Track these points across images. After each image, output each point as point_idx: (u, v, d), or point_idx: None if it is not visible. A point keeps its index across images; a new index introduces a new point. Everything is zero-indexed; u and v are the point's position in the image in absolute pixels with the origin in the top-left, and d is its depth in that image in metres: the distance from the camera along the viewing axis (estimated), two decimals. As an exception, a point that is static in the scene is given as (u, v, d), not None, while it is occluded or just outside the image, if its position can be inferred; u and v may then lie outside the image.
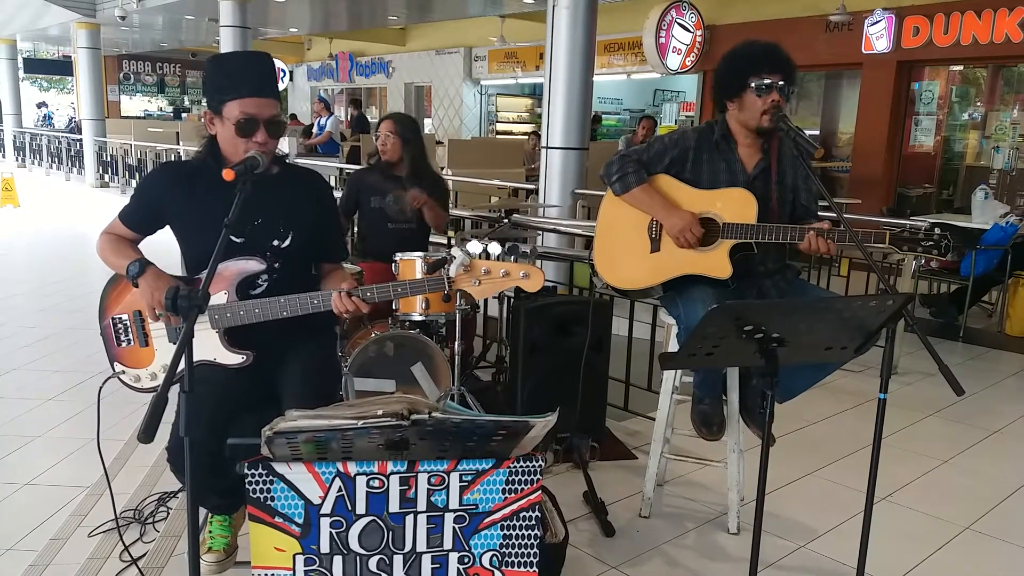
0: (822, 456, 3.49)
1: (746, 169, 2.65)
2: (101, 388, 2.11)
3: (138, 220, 2.27)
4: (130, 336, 2.25)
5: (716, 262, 2.58)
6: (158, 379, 2.22)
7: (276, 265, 2.18)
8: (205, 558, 2.21)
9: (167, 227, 2.28)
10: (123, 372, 2.26)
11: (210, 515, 2.30)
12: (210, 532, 2.29)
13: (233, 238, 2.11)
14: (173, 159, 12.63)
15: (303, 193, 2.28)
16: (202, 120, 2.25)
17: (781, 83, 2.52)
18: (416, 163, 3.85)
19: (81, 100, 15.28)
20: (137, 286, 2.13)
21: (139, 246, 2.30)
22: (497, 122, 16.72)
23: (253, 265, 2.13)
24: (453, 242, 3.90)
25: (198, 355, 2.06)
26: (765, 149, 2.66)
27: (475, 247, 1.94)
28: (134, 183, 13.94)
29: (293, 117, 15.07)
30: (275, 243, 2.19)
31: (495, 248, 1.95)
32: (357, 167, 6.52)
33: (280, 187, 2.23)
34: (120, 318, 2.25)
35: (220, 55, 2.31)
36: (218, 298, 2.11)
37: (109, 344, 2.28)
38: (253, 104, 2.10)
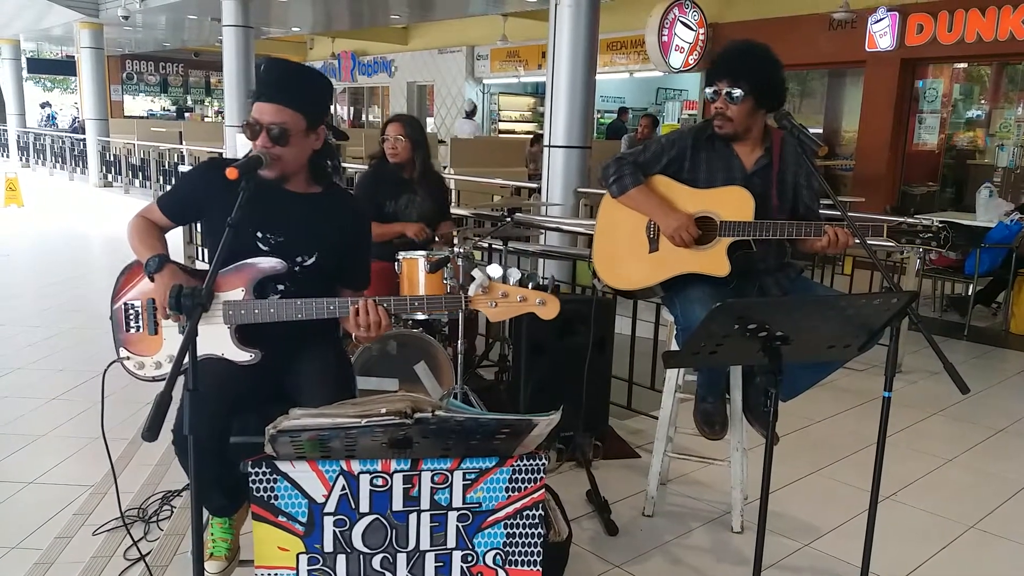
0: (826, 455, 3.49)
1: (744, 166, 2.64)
2: (105, 373, 2.10)
3: (175, 209, 2.31)
4: (140, 324, 2.25)
5: (714, 260, 2.58)
6: (163, 368, 2.22)
7: (294, 279, 2.20)
8: (208, 567, 2.20)
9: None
10: (128, 358, 2.26)
11: (210, 517, 2.30)
12: (211, 536, 2.28)
13: (261, 246, 2.17)
14: (177, 159, 12.67)
15: (339, 219, 2.29)
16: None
17: (726, 90, 2.54)
18: (425, 165, 3.83)
19: (84, 100, 15.31)
20: (153, 280, 2.16)
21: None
22: (499, 121, 16.72)
23: (274, 264, 2.15)
24: (456, 241, 3.89)
25: (206, 348, 2.08)
26: (767, 147, 2.65)
27: (495, 271, 1.96)
28: (137, 183, 13.98)
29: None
30: (299, 259, 2.21)
31: (515, 273, 1.97)
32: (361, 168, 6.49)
33: (318, 207, 2.26)
34: (132, 304, 2.26)
35: (264, 59, 2.37)
36: (234, 294, 2.12)
37: (117, 328, 2.27)
38: (258, 109, 2.13)
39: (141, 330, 2.25)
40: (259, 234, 2.18)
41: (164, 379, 1.67)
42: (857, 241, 2.34)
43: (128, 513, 2.75)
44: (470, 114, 13.78)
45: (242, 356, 2.13)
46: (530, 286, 1.99)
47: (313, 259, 2.22)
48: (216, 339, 2.12)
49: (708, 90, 2.62)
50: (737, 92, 2.53)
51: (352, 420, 1.55)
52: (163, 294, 2.10)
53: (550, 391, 3.34)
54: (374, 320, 2.04)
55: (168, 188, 2.35)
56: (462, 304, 1.99)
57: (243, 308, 2.10)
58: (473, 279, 1.97)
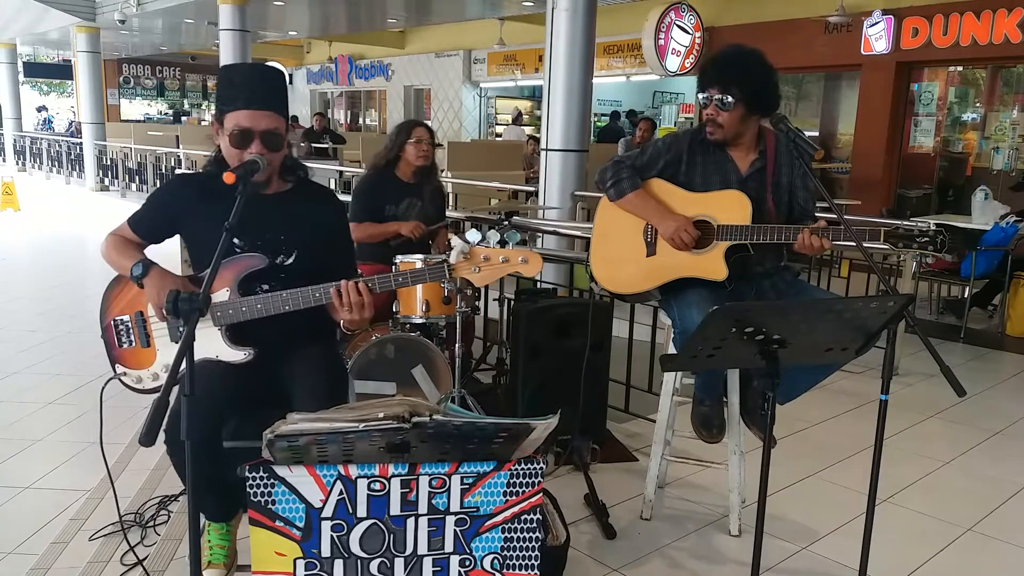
0: (823, 458, 3.49)
1: (739, 170, 2.65)
2: (103, 390, 2.11)
3: (149, 228, 2.28)
4: (131, 337, 2.25)
5: (712, 264, 2.58)
6: (160, 379, 2.22)
7: (278, 279, 2.18)
8: (207, 575, 2.20)
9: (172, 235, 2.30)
10: (124, 374, 2.26)
11: (207, 524, 2.29)
12: (208, 543, 2.27)
13: (238, 251, 2.15)
14: (174, 163, 12.66)
15: (313, 212, 2.27)
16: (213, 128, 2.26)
17: (717, 97, 2.54)
18: (435, 170, 3.96)
19: (81, 104, 15.29)
20: (142, 287, 2.14)
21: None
22: (496, 124, 16.73)
23: (255, 261, 2.14)
24: (453, 243, 3.90)
25: (200, 353, 2.06)
26: (761, 149, 2.66)
27: (474, 235, 1.98)
28: (134, 187, 13.96)
29: (295, 119, 15.10)
30: (279, 260, 2.19)
31: (493, 236, 1.98)
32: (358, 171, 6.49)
33: (290, 205, 2.24)
34: (122, 319, 2.25)
35: (228, 65, 2.32)
36: (220, 295, 2.11)
37: (111, 346, 2.28)
38: (248, 116, 2.10)
39: (134, 344, 2.25)
40: (236, 240, 2.16)
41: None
42: (836, 243, 2.36)
43: (125, 518, 2.74)
44: (517, 120, 14.31)
45: (236, 356, 2.13)
46: (510, 245, 1.99)
47: (293, 258, 2.21)
48: (208, 342, 2.12)
49: (700, 96, 2.62)
50: (728, 99, 2.53)
51: (350, 425, 1.55)
52: (156, 295, 2.10)
53: (548, 395, 3.34)
54: (355, 300, 2.02)
55: (137, 208, 2.31)
56: (445, 273, 1.99)
57: (231, 308, 2.10)
58: (453, 247, 1.97)
